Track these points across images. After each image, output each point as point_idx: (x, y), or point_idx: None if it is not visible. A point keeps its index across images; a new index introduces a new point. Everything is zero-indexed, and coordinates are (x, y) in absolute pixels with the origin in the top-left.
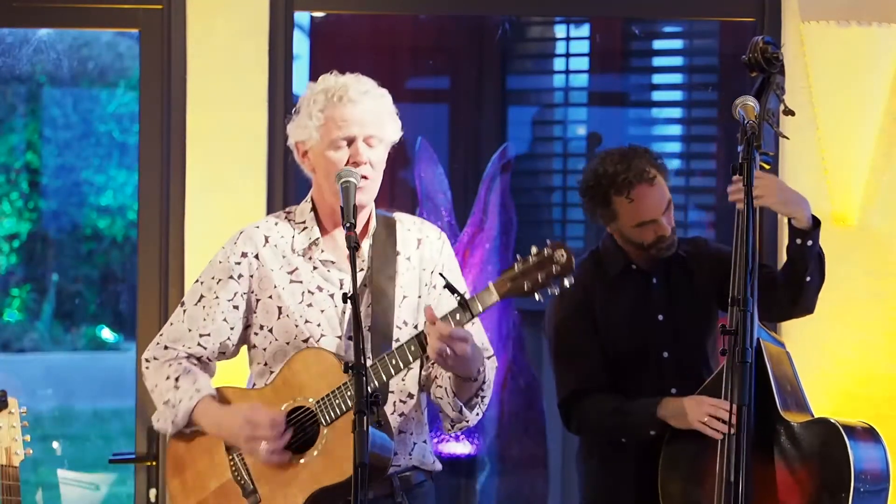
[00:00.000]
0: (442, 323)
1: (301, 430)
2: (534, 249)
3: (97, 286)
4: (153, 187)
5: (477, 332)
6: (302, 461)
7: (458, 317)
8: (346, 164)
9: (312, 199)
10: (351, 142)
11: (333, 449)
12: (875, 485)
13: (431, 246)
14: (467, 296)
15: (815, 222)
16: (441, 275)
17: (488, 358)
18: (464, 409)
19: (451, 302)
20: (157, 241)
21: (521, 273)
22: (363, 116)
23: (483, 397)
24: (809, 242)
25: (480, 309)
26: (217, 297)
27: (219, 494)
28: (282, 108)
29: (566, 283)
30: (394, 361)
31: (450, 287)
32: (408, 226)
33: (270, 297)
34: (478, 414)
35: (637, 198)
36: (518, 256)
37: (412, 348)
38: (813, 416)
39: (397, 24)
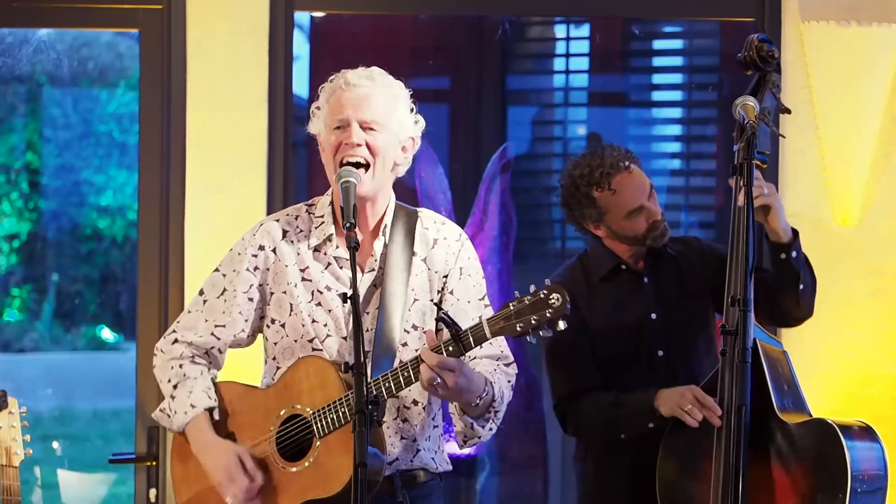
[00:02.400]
0: (431, 353)
1: (297, 438)
2: (532, 288)
3: (97, 286)
4: (153, 187)
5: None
6: (293, 469)
7: (450, 349)
8: (339, 147)
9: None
10: (347, 125)
11: (324, 463)
12: (872, 485)
13: (447, 249)
14: (478, 315)
15: (794, 232)
16: (437, 305)
17: (507, 365)
18: (475, 424)
19: (468, 316)
20: (157, 241)
21: (515, 313)
22: (359, 100)
23: (497, 412)
24: (794, 254)
25: (473, 345)
26: (235, 291)
27: (216, 490)
28: (282, 108)
29: (560, 326)
30: (388, 385)
31: (444, 319)
32: (427, 224)
33: (284, 292)
34: (491, 429)
35: (619, 187)
36: (516, 294)
37: (405, 374)
38: (811, 416)
39: (397, 24)
